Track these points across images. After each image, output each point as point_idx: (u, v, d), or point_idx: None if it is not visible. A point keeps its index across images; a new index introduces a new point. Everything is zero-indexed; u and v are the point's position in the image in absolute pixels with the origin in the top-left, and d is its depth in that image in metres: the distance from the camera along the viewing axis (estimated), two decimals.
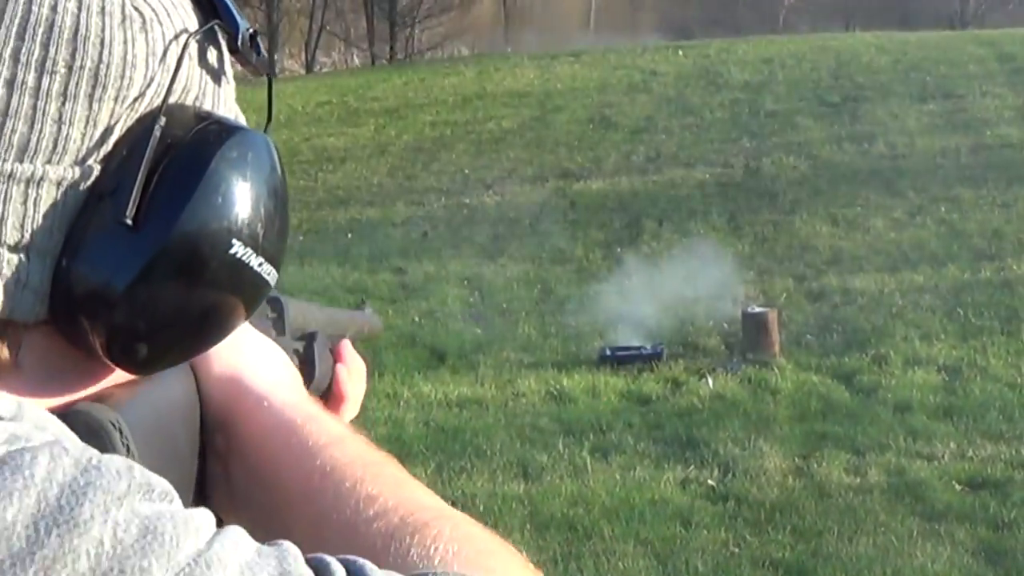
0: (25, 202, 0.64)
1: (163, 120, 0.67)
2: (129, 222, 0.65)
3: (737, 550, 5.30)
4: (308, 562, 0.61)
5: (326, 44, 35.11)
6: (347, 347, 1.08)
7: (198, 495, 0.80)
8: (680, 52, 20.29)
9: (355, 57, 34.71)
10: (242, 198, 0.69)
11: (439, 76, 20.86)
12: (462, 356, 8.54)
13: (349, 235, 12.07)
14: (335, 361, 1.05)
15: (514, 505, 5.78)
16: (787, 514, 5.64)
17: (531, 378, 7.84)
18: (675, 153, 14.11)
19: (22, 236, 0.64)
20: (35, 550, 0.53)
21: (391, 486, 0.76)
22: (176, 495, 0.60)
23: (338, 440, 0.81)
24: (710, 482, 6.09)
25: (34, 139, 0.63)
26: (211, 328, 0.72)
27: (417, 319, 9.36)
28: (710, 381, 7.62)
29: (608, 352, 8.23)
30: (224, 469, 0.82)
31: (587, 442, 6.64)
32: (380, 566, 0.64)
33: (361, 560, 0.63)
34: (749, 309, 8.50)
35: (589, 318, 9.05)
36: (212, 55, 0.73)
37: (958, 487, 5.94)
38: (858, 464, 6.26)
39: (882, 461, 6.27)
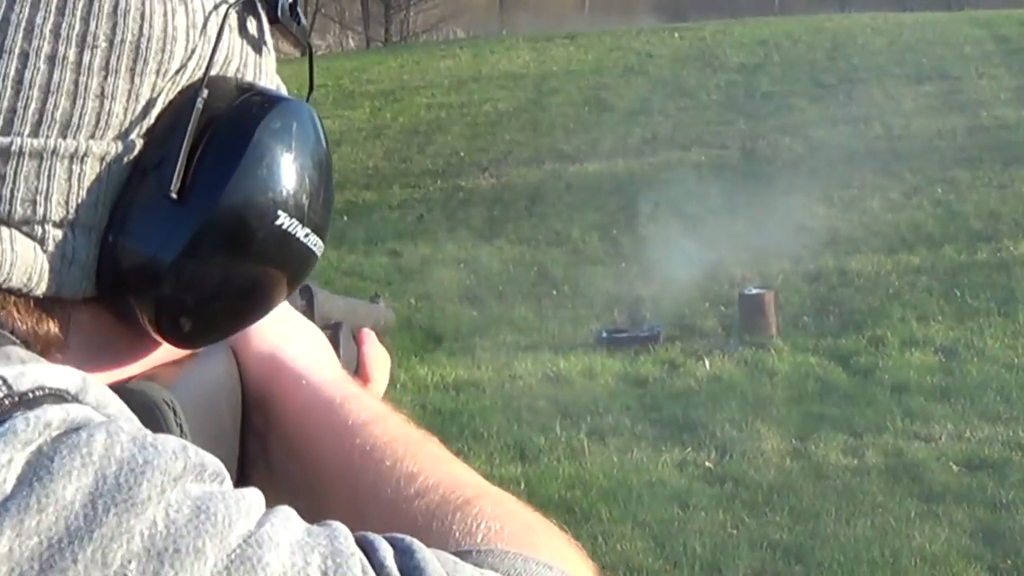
0: (69, 178, 0.64)
1: (205, 92, 0.66)
2: (174, 195, 0.65)
3: (735, 532, 5.30)
4: (356, 541, 0.60)
5: (321, 26, 34.99)
6: (370, 336, 1.09)
7: (239, 474, 0.80)
8: (676, 34, 20.22)
9: (350, 39, 34.61)
10: (286, 168, 0.69)
11: (434, 58, 20.78)
12: (458, 339, 8.53)
13: (345, 218, 12.03)
14: (359, 348, 1.06)
15: (511, 488, 5.66)
16: (784, 496, 5.64)
17: (528, 360, 7.83)
18: (671, 135, 14.07)
19: (67, 212, 0.64)
20: (93, 528, 0.52)
21: (431, 464, 0.77)
22: (227, 475, 0.60)
23: (378, 418, 0.81)
24: (707, 464, 6.09)
25: (76, 114, 0.63)
26: (258, 300, 0.72)
27: (413, 302, 9.34)
28: (707, 363, 7.62)
29: (605, 334, 8.22)
30: (263, 447, 0.81)
31: (584, 424, 6.64)
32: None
33: (408, 538, 0.62)
34: (746, 291, 8.49)
35: (586, 300, 9.04)
36: (252, 25, 0.73)
37: (955, 468, 5.95)
38: (855, 446, 6.25)
39: (879, 442, 6.27)
